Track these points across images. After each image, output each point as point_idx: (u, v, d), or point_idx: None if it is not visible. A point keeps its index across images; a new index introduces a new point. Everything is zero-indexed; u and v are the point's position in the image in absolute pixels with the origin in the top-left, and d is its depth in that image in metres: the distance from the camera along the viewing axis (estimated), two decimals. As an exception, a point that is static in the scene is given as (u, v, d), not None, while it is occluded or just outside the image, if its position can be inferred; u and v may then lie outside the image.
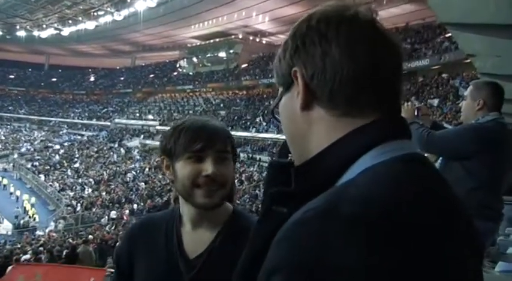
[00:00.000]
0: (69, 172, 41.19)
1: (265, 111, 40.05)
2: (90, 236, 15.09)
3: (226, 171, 1.33)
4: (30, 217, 29.29)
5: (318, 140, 0.74)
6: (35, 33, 62.96)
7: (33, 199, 33.24)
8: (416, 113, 3.06)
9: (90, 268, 7.55)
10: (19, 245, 17.36)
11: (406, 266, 0.57)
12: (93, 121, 58.37)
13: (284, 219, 0.67)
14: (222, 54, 54.26)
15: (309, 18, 0.77)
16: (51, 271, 6.24)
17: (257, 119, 39.42)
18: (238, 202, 21.36)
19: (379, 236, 0.58)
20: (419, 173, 0.69)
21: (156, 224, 1.43)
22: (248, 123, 39.06)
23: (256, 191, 25.36)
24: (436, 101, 26.62)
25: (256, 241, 0.79)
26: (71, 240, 15.87)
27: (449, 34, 23.95)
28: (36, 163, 44.87)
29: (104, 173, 39.27)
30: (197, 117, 1.40)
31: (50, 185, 37.54)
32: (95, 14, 55.64)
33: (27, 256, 12.65)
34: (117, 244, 12.23)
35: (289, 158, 0.84)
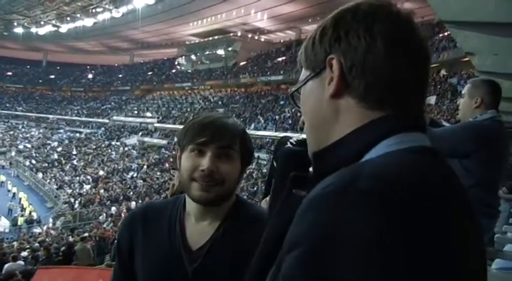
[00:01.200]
0: (67, 169, 41.16)
1: (264, 109, 40.06)
2: (86, 234, 15.04)
3: (226, 169, 1.32)
4: (23, 213, 29.36)
5: (343, 128, 0.76)
6: (33, 30, 62.77)
7: (25, 196, 33.41)
8: None
9: (100, 269, 7.64)
10: (15, 243, 17.37)
11: (416, 239, 0.60)
12: (91, 118, 58.27)
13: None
14: (221, 51, 54.17)
15: (354, 9, 0.77)
16: (67, 273, 6.43)
17: (255, 117, 39.39)
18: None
19: (392, 210, 0.61)
20: (429, 162, 0.72)
21: (158, 212, 1.43)
22: (246, 121, 39.04)
23: (255, 189, 25.36)
24: (433, 99, 26.62)
25: (277, 225, 0.80)
26: (70, 238, 15.84)
27: (448, 33, 23.96)
28: (34, 161, 44.82)
29: (102, 170, 39.25)
30: (212, 113, 1.42)
31: (48, 182, 37.53)
32: (93, 11, 55.50)
33: (25, 253, 12.64)
34: (118, 231, 12.20)
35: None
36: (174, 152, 37.75)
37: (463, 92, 3.04)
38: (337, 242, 0.60)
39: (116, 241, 1.53)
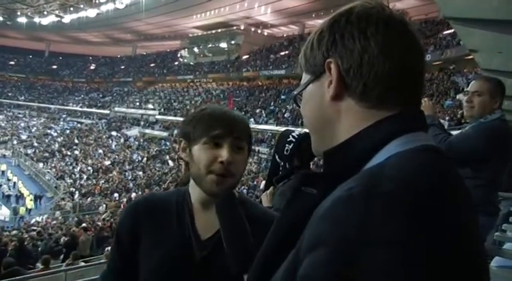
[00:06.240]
0: (67, 160, 41.19)
1: (267, 102, 40.00)
2: (84, 224, 15.05)
3: (240, 160, 1.35)
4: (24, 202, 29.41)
5: (346, 128, 0.79)
6: (36, 19, 62.49)
7: (24, 185, 33.52)
8: None
9: None
10: (14, 232, 17.38)
11: (439, 240, 0.62)
12: (93, 109, 58.29)
13: (313, 200, 0.73)
14: (224, 45, 54.07)
15: (348, 13, 0.80)
16: None
17: (257, 111, 39.36)
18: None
19: (416, 211, 0.63)
20: (439, 162, 0.74)
21: (163, 203, 1.44)
22: (248, 114, 39.01)
23: (255, 183, 25.38)
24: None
25: (286, 221, 0.81)
26: (74, 228, 15.84)
27: (452, 30, 23.85)
28: (35, 150, 44.86)
29: (103, 161, 39.27)
30: (216, 105, 1.44)
31: (48, 172, 37.57)
32: (97, 1, 55.27)
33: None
34: (119, 219, 12.23)
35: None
36: (176, 145, 37.74)
37: (468, 89, 2.99)
38: (365, 243, 0.60)
39: (116, 230, 1.50)
